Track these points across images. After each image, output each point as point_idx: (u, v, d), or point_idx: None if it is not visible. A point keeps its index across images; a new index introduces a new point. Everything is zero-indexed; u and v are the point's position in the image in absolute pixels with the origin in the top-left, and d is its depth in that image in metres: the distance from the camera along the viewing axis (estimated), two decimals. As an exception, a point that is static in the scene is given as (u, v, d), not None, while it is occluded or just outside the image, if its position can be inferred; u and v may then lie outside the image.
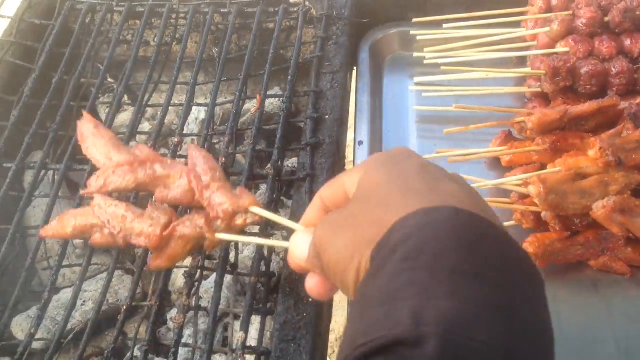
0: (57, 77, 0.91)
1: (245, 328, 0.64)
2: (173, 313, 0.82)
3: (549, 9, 0.91)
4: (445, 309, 0.31)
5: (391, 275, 0.35)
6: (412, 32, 0.94)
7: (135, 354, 0.83)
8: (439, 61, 0.88)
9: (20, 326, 0.82)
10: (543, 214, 0.72)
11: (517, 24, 0.94)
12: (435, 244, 0.35)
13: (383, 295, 0.34)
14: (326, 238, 0.44)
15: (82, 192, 0.72)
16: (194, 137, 0.99)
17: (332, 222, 0.46)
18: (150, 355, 0.81)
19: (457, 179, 0.44)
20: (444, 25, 0.90)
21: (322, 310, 0.68)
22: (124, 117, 1.13)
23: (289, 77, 0.85)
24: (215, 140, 1.00)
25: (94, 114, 0.90)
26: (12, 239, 0.77)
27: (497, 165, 0.84)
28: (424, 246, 0.35)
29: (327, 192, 0.51)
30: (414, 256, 0.35)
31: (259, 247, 0.69)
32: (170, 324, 0.82)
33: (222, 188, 0.63)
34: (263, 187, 0.94)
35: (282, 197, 0.96)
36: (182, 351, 0.82)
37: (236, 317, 0.82)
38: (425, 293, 0.32)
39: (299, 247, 0.50)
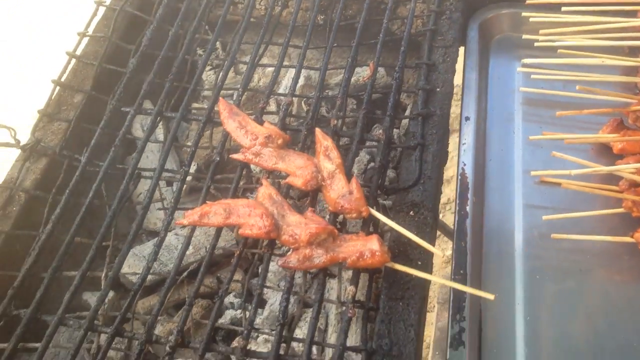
0: (174, 31, 0.95)
1: (355, 282, 0.67)
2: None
3: (671, 0, 0.89)
4: None
5: None
6: (523, 14, 0.93)
7: (230, 300, 0.88)
8: (553, 44, 0.87)
9: (126, 262, 0.87)
10: (656, 205, 0.72)
11: (633, 14, 0.92)
12: None
13: None
14: None
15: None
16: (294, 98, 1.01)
17: None
18: (242, 302, 0.85)
19: None
20: (563, 9, 0.89)
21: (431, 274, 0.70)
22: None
23: (402, 48, 0.86)
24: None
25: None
26: (130, 179, 0.81)
27: (604, 152, 0.83)
28: None
29: None
30: None
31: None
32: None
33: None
34: (361, 154, 0.96)
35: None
36: (273, 299, 0.86)
37: (331, 275, 0.84)
38: None
39: None
